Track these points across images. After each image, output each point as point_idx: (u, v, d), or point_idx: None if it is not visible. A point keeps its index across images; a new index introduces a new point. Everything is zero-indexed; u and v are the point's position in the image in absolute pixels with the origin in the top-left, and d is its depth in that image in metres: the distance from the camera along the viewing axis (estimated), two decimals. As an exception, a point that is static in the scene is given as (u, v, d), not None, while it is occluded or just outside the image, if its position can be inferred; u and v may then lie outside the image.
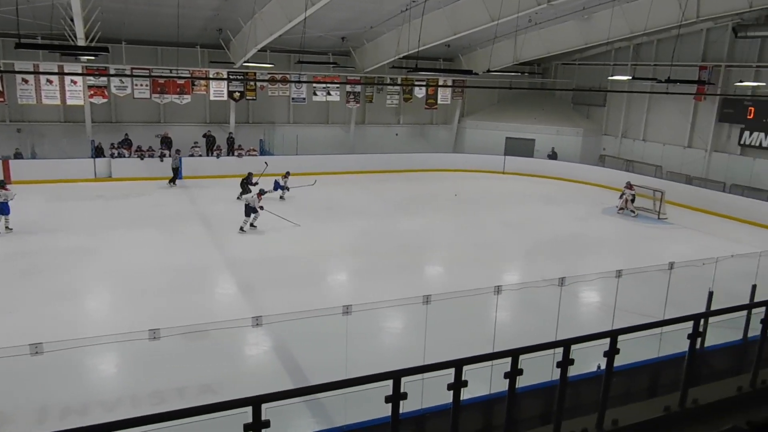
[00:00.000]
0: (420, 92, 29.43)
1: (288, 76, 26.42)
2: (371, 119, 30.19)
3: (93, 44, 17.86)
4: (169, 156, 24.36)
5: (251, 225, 17.64)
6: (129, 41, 23.47)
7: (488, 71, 23.60)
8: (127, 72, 23.27)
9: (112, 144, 24.19)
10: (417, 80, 28.70)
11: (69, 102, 23.20)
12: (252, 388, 3.80)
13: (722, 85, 23.92)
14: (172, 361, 9.29)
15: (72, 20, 16.33)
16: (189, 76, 24.34)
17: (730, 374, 6.74)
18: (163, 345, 7.57)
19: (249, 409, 3.45)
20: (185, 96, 24.92)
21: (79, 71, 22.40)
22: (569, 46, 26.04)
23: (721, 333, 9.11)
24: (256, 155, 26.12)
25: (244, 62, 22.90)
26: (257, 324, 8.09)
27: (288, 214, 18.83)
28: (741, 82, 21.74)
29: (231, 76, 25.19)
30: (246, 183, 21.26)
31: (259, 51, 22.02)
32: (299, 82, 25.93)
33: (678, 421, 4.74)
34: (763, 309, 5.43)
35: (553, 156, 29.07)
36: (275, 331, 10.29)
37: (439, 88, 29.58)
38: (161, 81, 24.16)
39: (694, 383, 5.44)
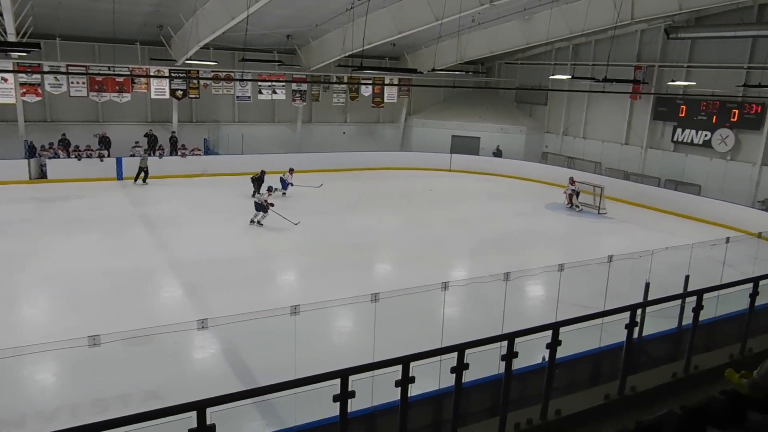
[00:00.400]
0: (367, 91, 29.47)
1: (232, 74, 25.97)
2: (318, 118, 30.02)
3: (25, 40, 17.09)
4: (116, 154, 23.75)
5: (258, 223, 17.77)
6: (64, 37, 22.60)
7: (433, 70, 23.84)
8: (62, 69, 22.34)
9: (43, 145, 23.14)
10: (363, 79, 28.74)
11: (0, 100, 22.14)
12: (199, 392, 3.73)
13: (656, 85, 24.93)
14: (114, 368, 9.02)
15: (1, 15, 15.59)
16: (128, 73, 23.64)
17: (665, 361, 7.05)
18: (105, 351, 7.32)
19: (194, 414, 3.38)
20: (125, 94, 24.17)
21: (10, 68, 21.40)
22: (511, 46, 26.60)
23: (657, 322, 9.51)
24: (200, 155, 25.72)
25: (187, 60, 22.37)
26: (203, 327, 7.92)
27: (238, 217, 18.58)
28: (673, 81, 22.71)
29: (173, 74, 24.57)
30: (259, 180, 21.59)
31: (201, 48, 21.54)
32: (244, 80, 25.54)
33: (617, 408, 4.92)
34: (695, 298, 5.70)
35: (498, 153, 29.64)
36: (222, 334, 10.12)
37: (386, 87, 29.71)
38: (99, 79, 23.36)
39: (632, 371, 5.67)
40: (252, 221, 17.93)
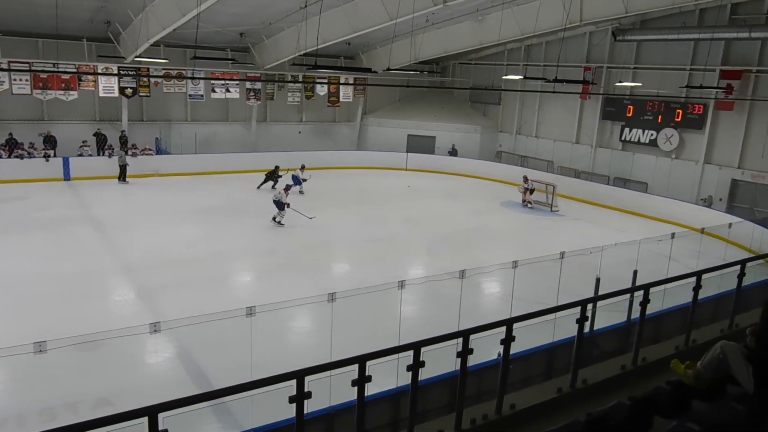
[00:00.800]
0: (322, 90, 29.30)
1: (184, 72, 25.43)
2: (273, 117, 29.71)
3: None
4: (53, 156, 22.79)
5: (279, 222, 18.14)
6: (4, 32, 21.83)
7: (388, 69, 23.89)
8: (4, 66, 21.42)
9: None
10: (318, 78, 28.57)
11: (-65, 98, 21.21)
12: (152, 397, 3.65)
13: (604, 85, 25.67)
14: (63, 375, 8.75)
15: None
16: (75, 71, 22.81)
17: (615, 354, 7.25)
18: (52, 358, 7.08)
19: (145, 420, 3.33)
20: (71, 92, 23.33)
21: (-54, 64, 20.48)
22: (465, 46, 26.90)
23: (608, 316, 9.81)
24: (151, 154, 25.13)
25: (136, 57, 21.78)
26: (155, 330, 7.74)
27: (191, 217, 18.24)
28: (620, 82, 23.42)
29: (122, 72, 23.88)
30: (274, 176, 22.68)
31: (152, 46, 21.05)
32: (196, 78, 25.06)
33: (569, 401, 5.05)
34: (642, 292, 5.89)
35: (453, 153, 29.97)
36: (176, 337, 9.93)
37: (341, 86, 29.60)
38: (43, 76, 22.44)
39: (584, 365, 5.82)
40: (273, 219, 18.22)
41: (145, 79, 24.57)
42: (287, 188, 18.84)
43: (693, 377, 4.84)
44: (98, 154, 24.13)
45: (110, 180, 23.07)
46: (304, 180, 22.88)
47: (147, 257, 14.89)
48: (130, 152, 24.44)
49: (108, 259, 14.79)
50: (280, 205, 18.21)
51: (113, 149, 24.36)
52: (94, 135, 24.26)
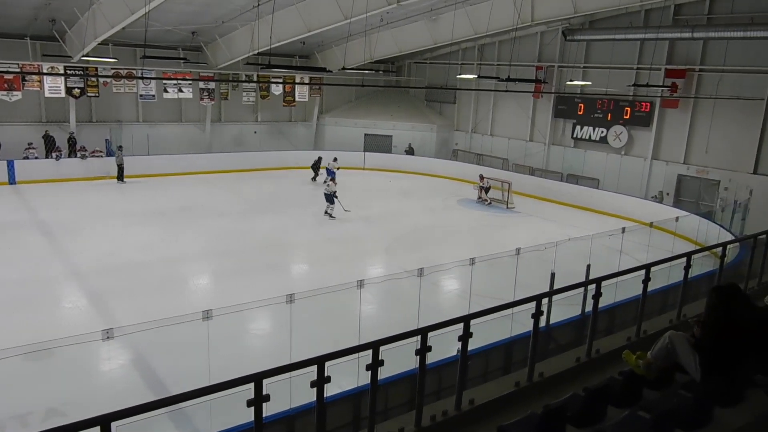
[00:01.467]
0: (277, 89, 29.01)
1: (134, 71, 24.75)
2: (228, 117, 29.28)
3: None
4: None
5: (330, 215, 19.24)
6: (-61, 30, 20.85)
7: (344, 69, 23.87)
8: (-60, 64, 20.52)
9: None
10: (273, 77, 28.29)
11: None
12: (106, 406, 3.55)
13: (556, 84, 26.22)
14: (11, 386, 8.46)
15: None
16: (18, 70, 21.96)
17: (570, 347, 7.43)
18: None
19: (98, 430, 3.23)
20: (15, 92, 22.50)
21: None
22: (420, 46, 27.07)
23: (563, 310, 10.03)
24: (102, 156, 24.42)
25: (83, 56, 21.07)
26: (108, 337, 7.54)
27: (137, 218, 17.83)
28: (571, 81, 23.98)
29: (68, 71, 23.12)
30: (316, 167, 24.50)
31: (100, 44, 20.46)
32: (147, 78, 24.44)
33: (526, 394, 5.14)
34: (595, 285, 6.04)
35: (410, 151, 30.13)
36: (131, 343, 9.74)
37: (297, 86, 29.37)
38: (-17, 76, 21.60)
39: (541, 358, 5.94)
40: (327, 212, 19.37)
41: (93, 78, 23.88)
42: (332, 179, 20.35)
43: (643, 367, 5.01)
44: (46, 157, 23.38)
45: (59, 183, 22.37)
46: (336, 170, 23.89)
47: (99, 262, 14.48)
48: (79, 154, 23.73)
49: (57, 265, 14.33)
50: (330, 198, 19.36)
51: (61, 152, 23.62)
52: (43, 137, 23.54)
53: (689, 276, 6.92)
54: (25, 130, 23.62)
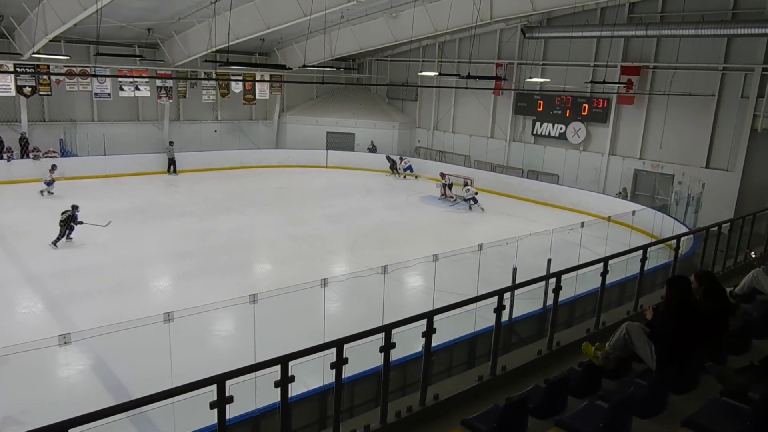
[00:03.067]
0: (237, 87, 28.59)
1: (88, 69, 24.07)
2: (187, 115, 28.75)
3: None
4: None
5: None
6: None
7: (304, 66, 23.70)
8: None
9: None
10: (233, 75, 27.90)
11: None
12: (65, 412, 3.45)
13: (515, 81, 26.59)
14: None
15: None
16: (-37, 68, 21.18)
17: (532, 340, 7.57)
18: None
19: None
20: (-39, 91, 21.64)
21: None
22: (380, 43, 27.04)
23: (526, 304, 10.20)
24: (55, 156, 23.64)
25: (34, 53, 20.40)
26: (65, 342, 7.33)
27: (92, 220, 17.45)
28: (530, 78, 24.37)
29: (18, 69, 22.32)
30: (394, 167, 27.20)
31: (51, 41, 19.83)
32: (101, 76, 23.81)
33: (489, 387, 5.21)
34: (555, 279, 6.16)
35: (372, 149, 30.13)
36: (90, 348, 9.54)
37: (257, 83, 29.01)
38: (-74, 74, 20.74)
39: (504, 351, 6.05)
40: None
41: (45, 77, 23.08)
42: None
43: (602, 358, 5.15)
44: None
45: (10, 185, 21.60)
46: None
47: (54, 265, 14.09)
48: (31, 155, 22.95)
49: (10, 268, 13.87)
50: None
51: (12, 152, 22.80)
52: None
53: (645, 268, 7.10)
54: (-28, 130, 22.70)
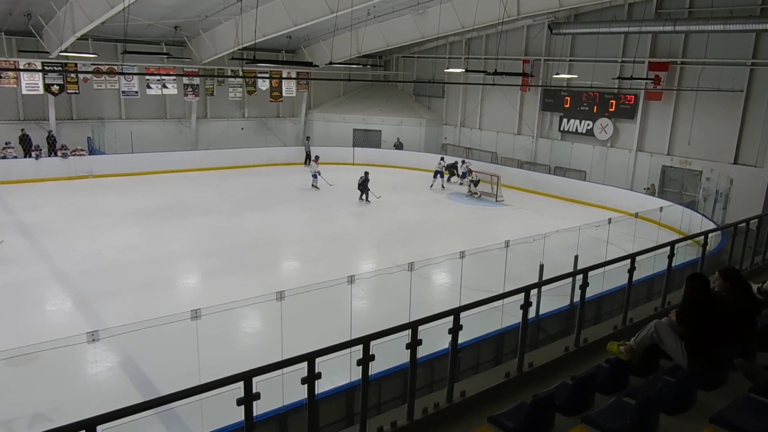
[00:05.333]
0: (264, 85, 28.77)
1: (115, 67, 24.30)
2: (214, 113, 29.05)
3: None
4: None
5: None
6: None
7: (331, 63, 23.76)
8: None
9: None
10: (260, 72, 28.06)
11: None
12: (94, 409, 3.49)
13: (543, 77, 26.31)
14: None
15: None
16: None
17: (559, 336, 7.50)
18: None
19: None
20: (-10, 89, 22.03)
21: None
22: (407, 40, 27.00)
23: (552, 301, 10.10)
24: (84, 155, 23.89)
25: (62, 52, 20.65)
26: (93, 339, 7.44)
27: (121, 218, 17.84)
28: (557, 74, 24.09)
29: (46, 68, 22.46)
30: (454, 169, 25.81)
31: (79, 39, 20.07)
32: (129, 74, 24.04)
33: (516, 384, 5.18)
34: (582, 276, 6.09)
35: (399, 146, 30.09)
36: (118, 345, 9.58)
37: (284, 81, 29.13)
38: (-42, 72, 21.11)
39: (531, 348, 5.99)
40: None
41: (72, 75, 23.30)
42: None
43: (627, 353, 5.09)
44: (24, 156, 22.94)
45: (39, 183, 22.02)
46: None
47: (83, 263, 14.18)
48: (59, 153, 23.29)
49: (40, 267, 14.01)
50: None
51: (41, 150, 23.14)
52: (20, 137, 23.12)
53: (673, 264, 6.98)
54: (1, 128, 23.12)
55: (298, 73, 29.44)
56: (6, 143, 22.55)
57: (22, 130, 23.36)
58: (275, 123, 31.10)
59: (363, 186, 21.33)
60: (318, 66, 23.63)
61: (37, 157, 22.81)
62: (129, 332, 8.11)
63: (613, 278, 8.77)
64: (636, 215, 16.12)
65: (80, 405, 8.23)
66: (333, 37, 23.80)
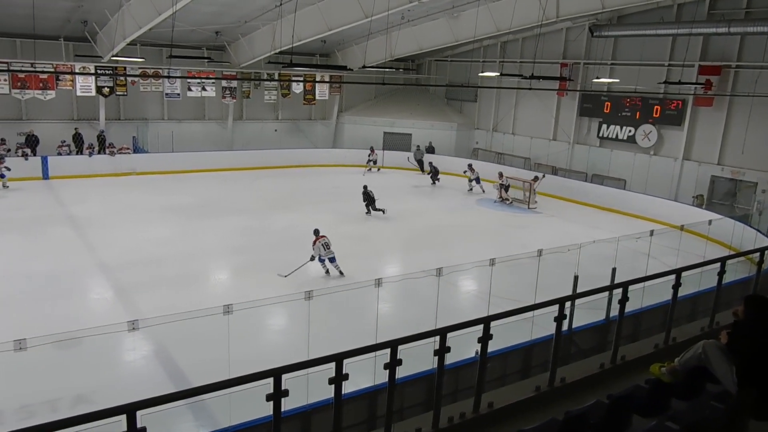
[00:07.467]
0: (298, 88, 29.09)
1: (160, 70, 25.27)
2: (249, 115, 29.47)
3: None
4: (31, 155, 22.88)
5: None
6: (-17, 33, 21.65)
7: (364, 67, 23.76)
8: (-18, 66, 21.14)
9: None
10: (294, 76, 28.37)
11: None
12: (130, 395, 3.67)
13: (581, 82, 25.77)
14: (41, 373, 8.73)
15: None
16: (53, 70, 22.63)
17: (594, 352, 7.25)
18: (31, 356, 7.07)
19: (124, 418, 3.34)
20: (49, 91, 23.21)
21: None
22: (440, 43, 26.80)
23: (586, 314, 9.79)
24: (129, 153, 25.04)
25: (113, 56, 21.52)
26: (133, 328, 7.72)
27: (161, 214, 18.11)
28: (598, 78, 23.51)
29: (99, 71, 23.73)
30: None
31: (128, 45, 20.82)
32: (172, 77, 24.90)
33: (547, 399, 4.99)
34: (621, 290, 5.84)
35: (430, 150, 29.89)
36: (154, 335, 9.91)
37: (317, 84, 29.39)
38: (21, 75, 22.28)
39: (562, 363, 5.78)
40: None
41: (121, 78, 24.48)
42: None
43: (669, 373, 4.81)
44: (79, 153, 24.17)
45: (88, 179, 22.89)
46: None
47: (124, 256, 14.74)
48: (108, 151, 24.35)
49: (86, 257, 14.64)
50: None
51: (93, 148, 24.34)
52: (73, 136, 24.36)
53: (722, 282, 6.65)
54: (57, 127, 24.40)
55: (331, 77, 29.65)
56: (62, 141, 23.85)
57: (76, 129, 24.57)
58: (307, 125, 31.35)
59: (367, 201, 20.52)
60: (352, 69, 23.69)
61: (91, 154, 24.07)
62: (165, 323, 8.34)
63: (653, 294, 8.45)
64: (681, 228, 15.45)
65: (117, 389, 8.58)
66: (367, 41, 23.81)
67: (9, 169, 20.99)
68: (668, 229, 16.87)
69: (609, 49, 24.78)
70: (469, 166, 25.19)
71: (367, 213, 20.10)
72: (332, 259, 13.90)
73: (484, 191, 24.24)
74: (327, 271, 14.06)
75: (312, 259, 13.78)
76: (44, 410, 8.11)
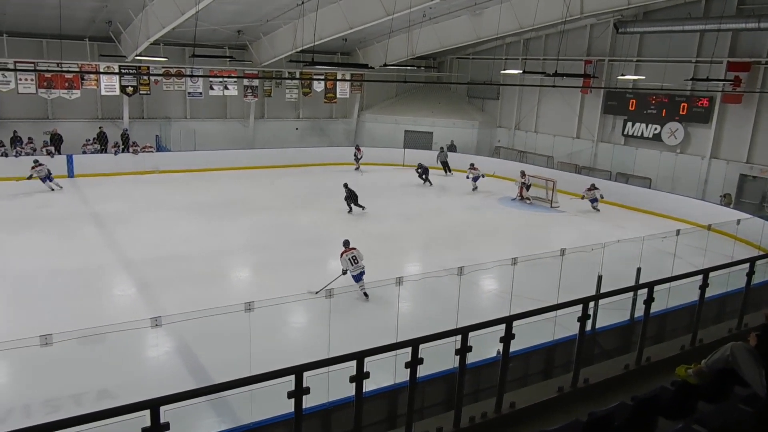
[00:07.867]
0: (319, 86, 29.16)
1: (183, 70, 25.54)
2: (270, 113, 29.63)
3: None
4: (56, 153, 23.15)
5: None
6: (11, 33, 22.17)
7: (385, 65, 23.72)
8: (10, 66, 21.60)
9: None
10: (315, 74, 28.44)
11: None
12: (153, 390, 3.73)
13: (606, 79, 25.40)
14: (66, 367, 8.89)
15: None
16: (78, 70, 23.07)
17: (618, 353, 7.14)
18: (57, 351, 7.16)
19: (147, 413, 3.37)
20: (74, 91, 23.68)
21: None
22: (462, 41, 26.68)
23: (610, 315, 9.64)
24: (152, 151, 25.37)
25: (137, 56, 21.83)
26: (156, 324, 7.80)
27: (184, 211, 18.31)
28: (623, 75, 23.09)
29: (123, 71, 24.12)
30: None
31: (151, 44, 21.13)
32: (195, 76, 25.14)
33: (570, 400, 4.92)
34: (646, 290, 5.74)
35: (452, 148, 29.75)
36: (176, 332, 9.99)
37: (338, 82, 29.44)
38: (48, 75, 22.73)
39: (586, 363, 5.70)
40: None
41: (145, 77, 24.79)
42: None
43: (695, 374, 4.71)
44: (105, 152, 24.56)
45: (112, 177, 23.22)
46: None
47: (148, 253, 14.92)
48: (131, 149, 24.63)
49: (110, 254, 14.85)
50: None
51: (119, 147, 24.74)
52: (97, 134, 24.70)
53: (751, 283, 6.51)
54: (82, 126, 24.83)
55: (352, 75, 29.69)
56: (86, 140, 24.28)
57: (100, 127, 24.95)
58: (327, 124, 31.43)
59: (349, 198, 20.00)
60: (373, 68, 23.68)
61: (116, 152, 24.46)
62: (187, 320, 8.37)
63: (679, 294, 8.28)
64: (709, 227, 15.12)
65: (140, 385, 8.63)
66: (388, 39, 23.78)
67: (51, 173, 20.94)
68: (695, 228, 16.51)
69: (634, 45, 24.39)
70: (471, 165, 24.98)
71: (349, 212, 19.86)
72: (358, 277, 12.31)
73: (476, 188, 24.29)
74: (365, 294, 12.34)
75: (344, 272, 12.44)
76: (69, 404, 8.23)
